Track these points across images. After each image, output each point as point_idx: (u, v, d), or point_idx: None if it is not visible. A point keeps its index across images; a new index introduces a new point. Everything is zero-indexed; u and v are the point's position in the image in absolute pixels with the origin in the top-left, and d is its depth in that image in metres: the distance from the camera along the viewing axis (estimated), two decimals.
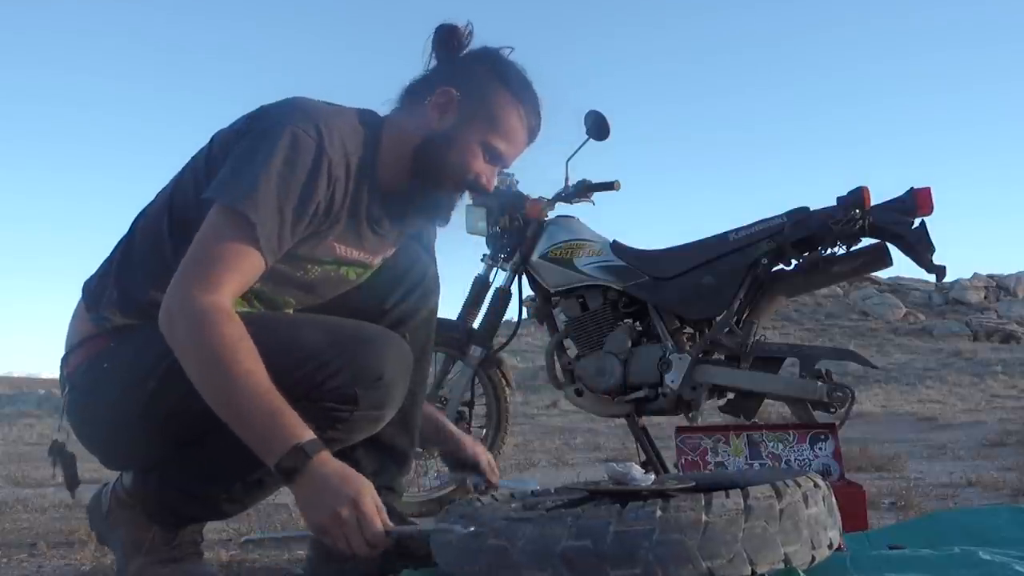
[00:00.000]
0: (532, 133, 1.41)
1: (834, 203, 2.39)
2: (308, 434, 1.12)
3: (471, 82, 1.34)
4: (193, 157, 1.38)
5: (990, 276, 20.02)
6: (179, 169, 1.40)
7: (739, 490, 1.10)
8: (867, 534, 1.88)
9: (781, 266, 2.53)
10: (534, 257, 2.77)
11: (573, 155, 2.85)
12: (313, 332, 1.27)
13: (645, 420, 2.74)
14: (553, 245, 2.76)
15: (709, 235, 2.61)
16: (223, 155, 1.28)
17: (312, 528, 1.14)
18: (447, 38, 1.36)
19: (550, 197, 2.89)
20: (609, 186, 2.85)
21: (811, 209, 2.46)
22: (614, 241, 2.79)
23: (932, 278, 2.35)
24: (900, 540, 1.77)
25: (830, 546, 1.22)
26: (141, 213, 1.42)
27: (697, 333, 2.66)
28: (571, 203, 2.92)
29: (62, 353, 1.40)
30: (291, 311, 1.45)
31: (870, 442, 5.04)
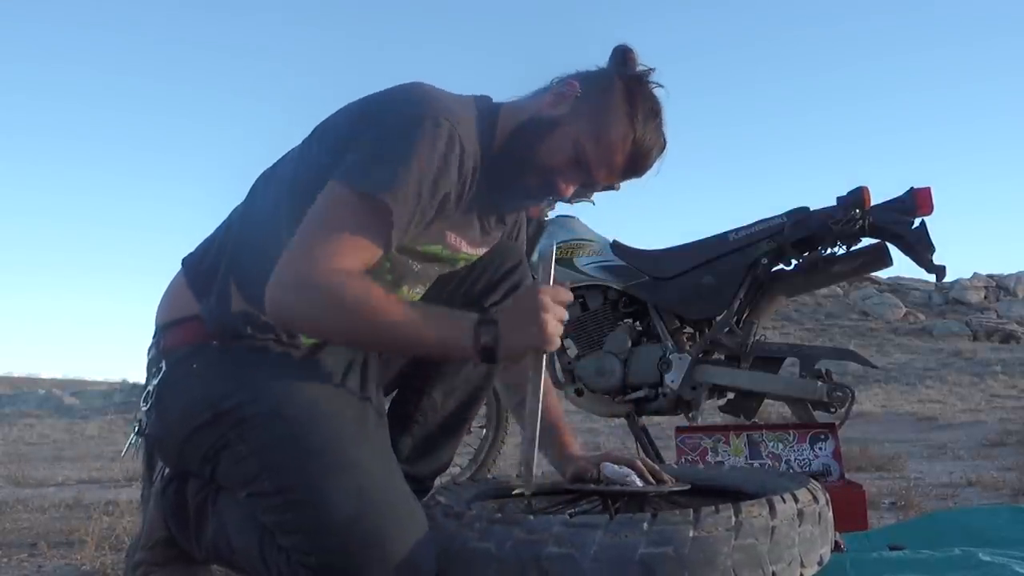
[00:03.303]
0: (632, 165, 1.32)
1: (834, 203, 2.39)
2: (472, 316, 1.16)
3: (598, 87, 1.30)
4: (312, 133, 1.32)
5: (990, 276, 20.01)
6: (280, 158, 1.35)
7: (791, 495, 1.13)
8: (867, 534, 1.88)
9: (781, 266, 2.54)
10: (534, 257, 2.77)
11: None
12: (342, 495, 1.11)
13: (645, 420, 2.74)
14: None
15: (709, 235, 2.62)
16: (346, 134, 1.23)
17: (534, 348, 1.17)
18: (616, 54, 1.34)
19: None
20: (609, 186, 2.84)
21: (811, 209, 2.46)
22: (614, 241, 2.79)
23: (932, 278, 2.35)
24: (900, 540, 1.77)
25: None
26: (260, 193, 1.36)
27: (697, 333, 2.66)
28: (571, 203, 2.91)
29: (159, 323, 1.33)
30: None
31: (870, 442, 5.04)
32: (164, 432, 1.29)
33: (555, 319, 1.14)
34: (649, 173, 1.36)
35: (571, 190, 1.34)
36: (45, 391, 15.21)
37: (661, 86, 1.34)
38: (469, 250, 1.40)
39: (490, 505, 1.48)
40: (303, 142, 1.32)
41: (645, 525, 1.03)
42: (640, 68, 1.33)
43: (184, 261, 1.37)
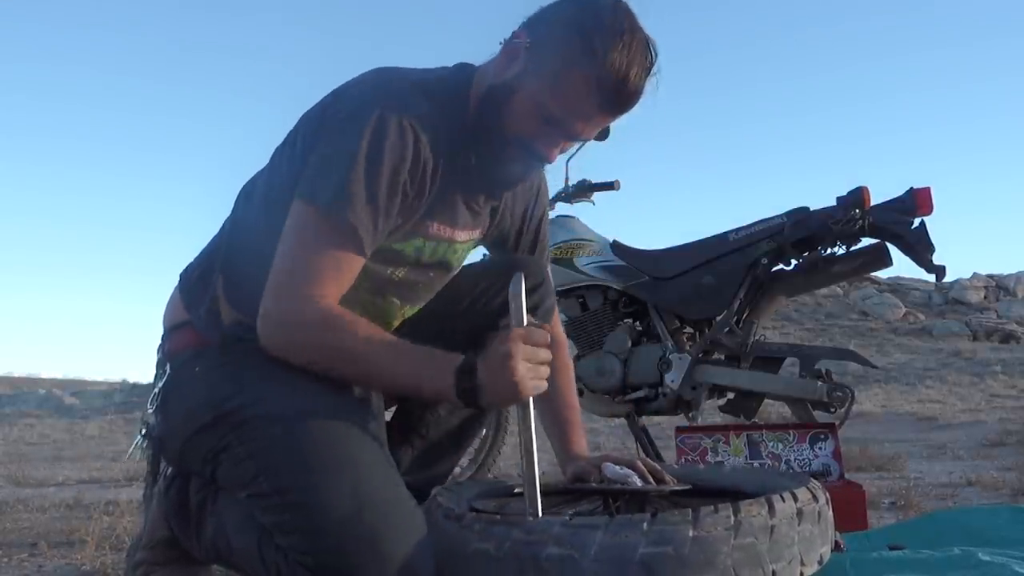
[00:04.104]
0: (614, 102, 1.15)
1: (834, 203, 2.40)
2: (455, 362, 1.10)
3: (549, 28, 1.15)
4: (284, 141, 1.29)
5: (990, 276, 20.01)
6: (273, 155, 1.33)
7: (791, 494, 1.12)
8: (867, 534, 1.88)
9: (781, 266, 2.54)
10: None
11: (573, 155, 2.84)
12: (339, 496, 1.09)
13: (645, 420, 2.74)
14: (553, 245, 2.77)
15: (709, 235, 2.62)
16: (305, 144, 1.21)
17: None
18: None
19: (550, 197, 2.90)
20: (609, 186, 2.85)
21: (811, 209, 2.46)
22: (614, 241, 2.79)
23: (932, 278, 2.35)
24: (900, 540, 1.77)
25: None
26: (241, 206, 1.35)
27: (697, 333, 2.67)
28: (571, 203, 2.93)
29: (165, 326, 1.35)
30: (397, 317, 1.40)
31: (870, 442, 5.04)
32: (168, 433, 1.30)
33: (529, 366, 1.05)
34: (645, 98, 1.17)
35: (557, 152, 1.23)
36: (45, 391, 15.21)
37: None
38: (463, 235, 1.35)
39: (490, 505, 1.48)
40: (277, 149, 1.32)
41: (645, 525, 1.03)
42: None
43: (180, 275, 1.38)
